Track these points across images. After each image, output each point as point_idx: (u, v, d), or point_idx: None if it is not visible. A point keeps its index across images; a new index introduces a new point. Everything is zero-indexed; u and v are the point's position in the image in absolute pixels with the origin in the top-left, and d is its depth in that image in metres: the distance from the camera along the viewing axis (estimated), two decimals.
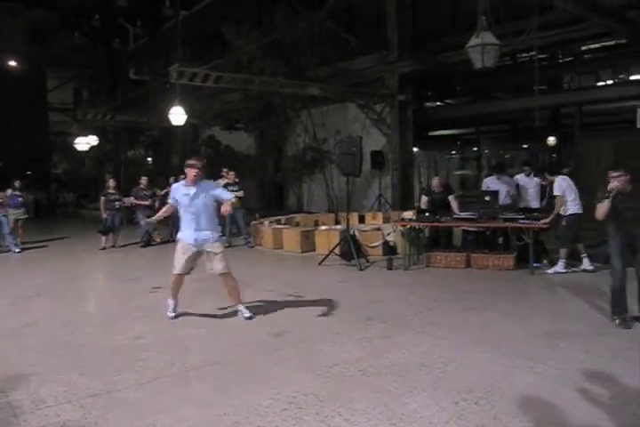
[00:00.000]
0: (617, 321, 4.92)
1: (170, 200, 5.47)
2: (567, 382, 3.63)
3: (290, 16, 13.92)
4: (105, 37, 24.67)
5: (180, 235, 5.37)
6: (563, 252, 7.46)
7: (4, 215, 10.83)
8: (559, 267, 7.45)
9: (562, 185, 7.32)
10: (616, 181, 4.80)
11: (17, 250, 10.82)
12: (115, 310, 5.99)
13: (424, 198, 9.25)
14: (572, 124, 13.74)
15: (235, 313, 5.52)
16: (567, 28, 9.94)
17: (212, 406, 3.34)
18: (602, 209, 4.89)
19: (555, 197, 7.44)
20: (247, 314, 5.36)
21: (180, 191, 5.30)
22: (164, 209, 5.73)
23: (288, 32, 13.26)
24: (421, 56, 12.82)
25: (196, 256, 5.35)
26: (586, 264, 7.49)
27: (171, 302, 5.45)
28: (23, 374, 3.94)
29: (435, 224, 8.43)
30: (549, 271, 7.50)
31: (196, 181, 5.23)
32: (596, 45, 12.55)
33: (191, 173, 5.20)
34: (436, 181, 9.23)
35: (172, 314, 5.43)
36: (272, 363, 4.11)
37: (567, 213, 7.33)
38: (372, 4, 14.51)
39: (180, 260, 5.30)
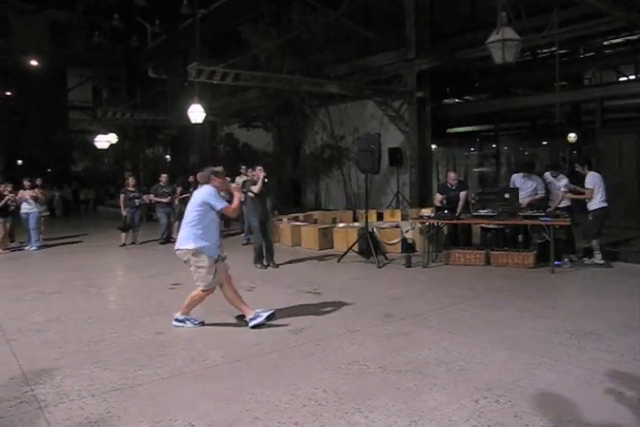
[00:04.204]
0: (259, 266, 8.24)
1: (221, 203, 4.95)
2: (590, 381, 3.59)
3: (307, 13, 13.93)
4: (124, 36, 24.91)
5: (206, 243, 4.86)
6: (595, 244, 7.70)
7: (39, 211, 11.10)
8: (597, 259, 7.70)
9: (595, 179, 7.64)
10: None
11: (34, 247, 10.98)
12: (135, 306, 6.06)
13: (438, 196, 9.11)
14: (593, 120, 13.57)
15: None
16: (588, 23, 9.80)
17: (232, 402, 3.37)
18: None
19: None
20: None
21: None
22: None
23: (305, 29, 13.26)
24: (440, 53, 12.74)
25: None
26: (597, 258, 7.71)
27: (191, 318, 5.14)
28: (47, 368, 4.01)
29: (453, 222, 8.39)
30: (588, 262, 7.78)
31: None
32: (619, 40, 12.37)
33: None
34: (452, 175, 9.04)
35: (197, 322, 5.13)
36: (292, 360, 4.12)
37: (594, 208, 7.61)
38: (389, 0, 14.45)
39: (213, 275, 4.89)
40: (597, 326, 4.85)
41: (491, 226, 8.50)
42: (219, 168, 5.17)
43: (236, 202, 5.10)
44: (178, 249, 4.98)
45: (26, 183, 11.03)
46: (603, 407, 3.19)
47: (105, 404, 3.37)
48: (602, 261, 7.68)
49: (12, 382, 3.76)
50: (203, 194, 4.97)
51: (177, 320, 5.10)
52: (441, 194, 9.10)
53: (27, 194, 10.87)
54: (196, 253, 4.84)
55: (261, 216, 8.34)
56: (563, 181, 8.37)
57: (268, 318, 5.01)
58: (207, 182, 5.07)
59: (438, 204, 8.90)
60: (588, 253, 7.97)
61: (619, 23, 9.46)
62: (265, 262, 8.39)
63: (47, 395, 3.52)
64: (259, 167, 8.40)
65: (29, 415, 3.23)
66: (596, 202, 7.63)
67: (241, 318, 5.17)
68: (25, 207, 10.89)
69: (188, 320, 5.10)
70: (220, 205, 4.92)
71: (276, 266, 8.36)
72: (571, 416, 3.08)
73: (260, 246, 8.35)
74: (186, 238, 4.90)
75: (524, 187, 8.45)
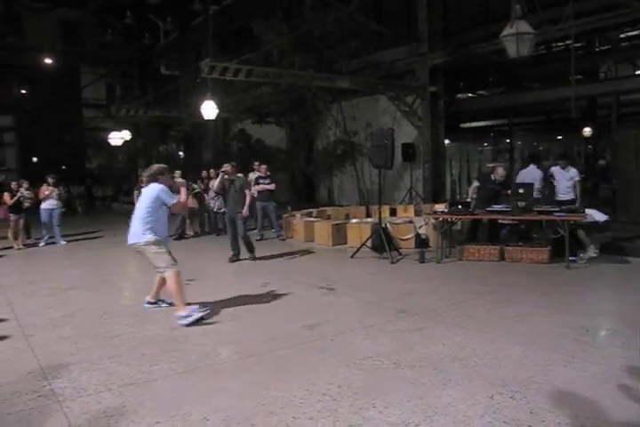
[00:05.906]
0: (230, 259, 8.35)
1: (172, 198, 5.31)
2: (607, 377, 3.56)
3: (319, 9, 13.87)
4: (136, 34, 25.03)
5: (157, 236, 5.20)
6: (587, 240, 7.85)
7: (59, 208, 11.37)
8: (591, 252, 7.80)
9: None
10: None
11: (63, 242, 11.31)
12: None
13: (475, 183, 9.11)
14: (608, 114, 13.40)
15: (268, 306, 5.59)
16: (604, 15, 9.67)
17: (247, 397, 3.39)
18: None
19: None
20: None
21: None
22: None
23: (317, 25, 13.22)
24: (453, 47, 12.64)
25: None
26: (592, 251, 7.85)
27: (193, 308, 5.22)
28: (64, 363, 4.06)
29: (466, 217, 8.34)
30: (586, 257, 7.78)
31: None
32: (635, 32, 12.19)
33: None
34: (501, 171, 8.78)
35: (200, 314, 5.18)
36: (306, 355, 4.14)
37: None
38: None
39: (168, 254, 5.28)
40: (613, 322, 4.81)
41: (506, 221, 8.45)
42: (162, 167, 5.54)
43: (182, 197, 5.49)
44: (135, 243, 5.19)
45: (50, 180, 11.25)
46: (619, 404, 3.16)
47: (121, 398, 3.41)
48: (595, 254, 7.82)
49: (30, 376, 3.81)
50: (155, 190, 5.24)
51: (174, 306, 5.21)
52: (478, 182, 9.12)
53: (48, 190, 11.06)
54: (155, 242, 5.16)
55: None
56: (572, 171, 8.44)
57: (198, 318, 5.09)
58: (154, 181, 5.33)
59: (472, 191, 8.95)
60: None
61: (635, 15, 9.33)
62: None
63: (65, 389, 3.57)
64: (225, 165, 8.56)
65: (48, 409, 3.27)
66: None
67: (152, 303, 5.67)
68: (51, 203, 11.14)
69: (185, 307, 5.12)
70: (172, 200, 5.28)
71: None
72: (587, 413, 3.06)
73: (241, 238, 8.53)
74: (140, 233, 5.16)
75: (538, 178, 8.49)
